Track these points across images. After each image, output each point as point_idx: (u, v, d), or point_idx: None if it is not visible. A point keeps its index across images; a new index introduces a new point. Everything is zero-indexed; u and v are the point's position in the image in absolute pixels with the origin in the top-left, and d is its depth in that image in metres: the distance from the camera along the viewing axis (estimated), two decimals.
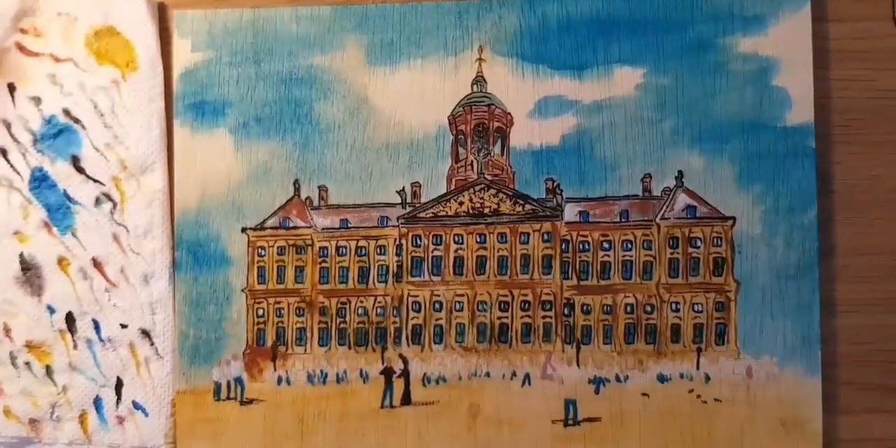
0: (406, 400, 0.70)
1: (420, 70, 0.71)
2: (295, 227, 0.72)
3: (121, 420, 0.71)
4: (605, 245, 0.71)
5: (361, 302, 0.72)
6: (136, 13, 0.72)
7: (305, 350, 0.71)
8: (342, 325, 0.72)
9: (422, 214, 0.72)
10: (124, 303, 0.72)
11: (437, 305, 0.71)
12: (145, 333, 0.72)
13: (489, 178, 0.71)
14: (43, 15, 0.72)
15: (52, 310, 0.72)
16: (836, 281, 0.68)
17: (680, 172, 0.69)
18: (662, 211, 0.70)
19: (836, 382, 0.67)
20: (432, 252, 0.72)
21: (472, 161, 0.72)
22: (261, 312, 0.72)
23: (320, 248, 0.72)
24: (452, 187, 0.71)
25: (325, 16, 0.71)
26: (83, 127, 0.72)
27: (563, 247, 0.71)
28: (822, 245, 0.67)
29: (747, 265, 0.68)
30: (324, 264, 0.72)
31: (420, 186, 0.71)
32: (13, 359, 0.72)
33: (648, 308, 0.70)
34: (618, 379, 0.69)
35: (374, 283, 0.72)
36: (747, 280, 0.68)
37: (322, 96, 0.71)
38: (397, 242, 0.72)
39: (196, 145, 0.72)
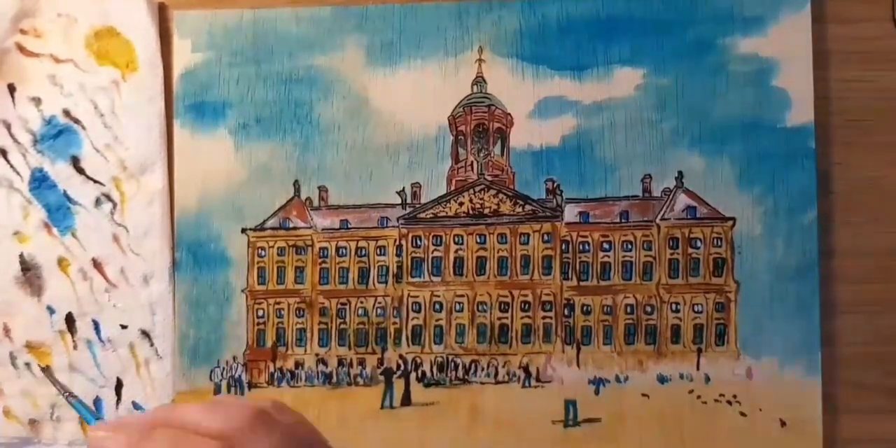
0: (406, 400, 0.70)
1: (420, 71, 0.71)
2: (295, 228, 0.72)
3: None
4: (605, 246, 0.71)
5: (361, 302, 0.72)
6: (136, 13, 0.72)
7: (305, 350, 0.71)
8: (342, 326, 0.72)
9: (422, 215, 0.72)
10: (124, 303, 0.72)
11: (437, 306, 0.71)
12: (145, 334, 0.72)
13: (489, 178, 0.71)
14: (43, 16, 0.72)
15: (51, 310, 0.72)
16: (836, 282, 0.68)
17: (680, 173, 0.69)
18: (662, 211, 0.70)
19: (836, 383, 0.67)
20: (432, 253, 0.72)
21: (472, 162, 0.72)
22: (261, 313, 0.72)
23: (320, 248, 0.72)
24: (452, 188, 0.71)
25: (325, 16, 0.71)
26: (83, 127, 0.72)
27: (563, 247, 0.71)
28: (822, 246, 0.67)
29: (747, 266, 0.68)
30: (324, 265, 0.72)
31: (420, 187, 0.71)
32: (13, 359, 0.72)
33: (648, 308, 0.70)
34: (618, 379, 0.69)
35: (374, 283, 0.72)
36: (747, 281, 0.68)
37: (322, 97, 0.71)
38: (397, 243, 0.72)
39: (196, 146, 0.72)
